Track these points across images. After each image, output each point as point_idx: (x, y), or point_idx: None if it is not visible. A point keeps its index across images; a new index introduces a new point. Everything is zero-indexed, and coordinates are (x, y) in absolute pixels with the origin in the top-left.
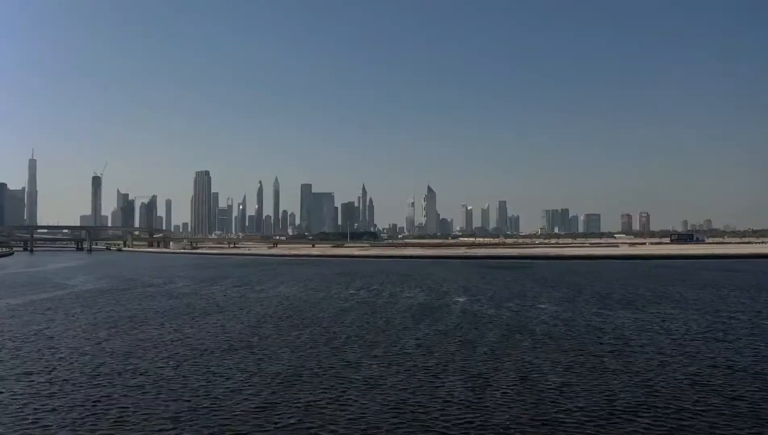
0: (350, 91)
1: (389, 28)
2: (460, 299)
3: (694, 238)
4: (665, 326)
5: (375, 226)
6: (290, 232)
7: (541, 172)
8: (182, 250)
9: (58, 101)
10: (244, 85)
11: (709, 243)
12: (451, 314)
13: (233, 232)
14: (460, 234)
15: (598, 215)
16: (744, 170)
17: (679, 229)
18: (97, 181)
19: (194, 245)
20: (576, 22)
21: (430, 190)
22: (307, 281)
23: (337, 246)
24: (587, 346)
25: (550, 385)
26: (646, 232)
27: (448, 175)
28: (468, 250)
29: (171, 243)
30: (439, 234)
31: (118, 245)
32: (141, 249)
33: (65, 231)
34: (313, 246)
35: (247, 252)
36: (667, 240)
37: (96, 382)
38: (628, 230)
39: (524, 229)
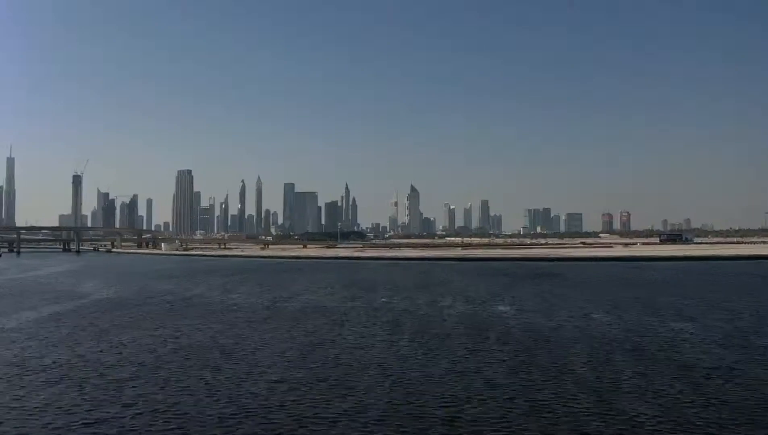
0: (333, 90)
1: (372, 27)
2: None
3: (683, 238)
4: None
5: (359, 225)
6: (273, 231)
7: (523, 171)
8: (174, 252)
9: (37, 99)
10: (227, 84)
11: (698, 243)
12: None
13: (215, 232)
14: (444, 233)
15: (580, 214)
16: (720, 170)
17: (659, 228)
18: (77, 180)
19: (186, 246)
20: (555, 20)
21: (413, 189)
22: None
23: (330, 246)
24: None
25: None
26: (627, 232)
27: (431, 174)
28: (465, 251)
29: (163, 244)
30: (425, 233)
31: (106, 246)
32: (131, 250)
33: (45, 232)
34: (305, 246)
35: (240, 254)
36: (656, 240)
37: None
38: (609, 229)
39: (506, 228)
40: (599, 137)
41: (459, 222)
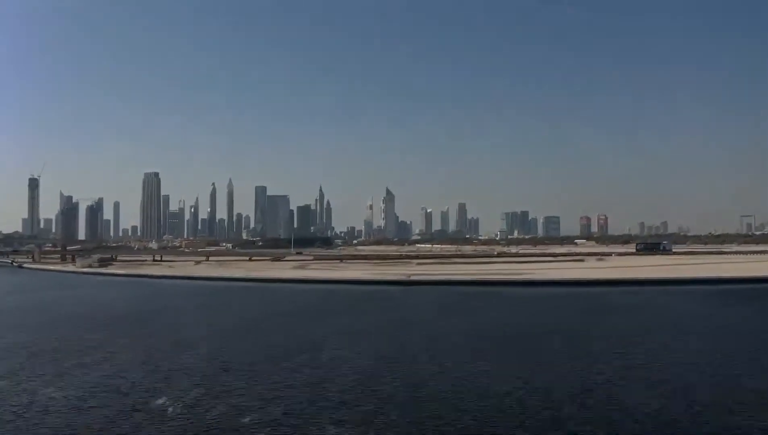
0: (308, 92)
1: (346, 29)
2: None
3: (661, 247)
4: None
5: (333, 229)
6: (245, 235)
7: (502, 173)
8: (86, 269)
9: None
10: (198, 84)
11: (677, 252)
12: None
13: (185, 236)
14: (419, 238)
15: (558, 218)
16: (697, 172)
17: (636, 231)
18: (34, 184)
19: (105, 262)
20: (534, 29)
21: (388, 192)
22: None
23: (277, 258)
24: None
25: None
26: (604, 236)
27: (409, 177)
28: (419, 268)
29: (77, 259)
30: (396, 239)
31: (19, 261)
32: (48, 265)
33: None
34: (250, 259)
35: (157, 274)
36: (633, 248)
37: None
38: (587, 233)
39: (484, 231)
40: (577, 140)
41: (436, 225)
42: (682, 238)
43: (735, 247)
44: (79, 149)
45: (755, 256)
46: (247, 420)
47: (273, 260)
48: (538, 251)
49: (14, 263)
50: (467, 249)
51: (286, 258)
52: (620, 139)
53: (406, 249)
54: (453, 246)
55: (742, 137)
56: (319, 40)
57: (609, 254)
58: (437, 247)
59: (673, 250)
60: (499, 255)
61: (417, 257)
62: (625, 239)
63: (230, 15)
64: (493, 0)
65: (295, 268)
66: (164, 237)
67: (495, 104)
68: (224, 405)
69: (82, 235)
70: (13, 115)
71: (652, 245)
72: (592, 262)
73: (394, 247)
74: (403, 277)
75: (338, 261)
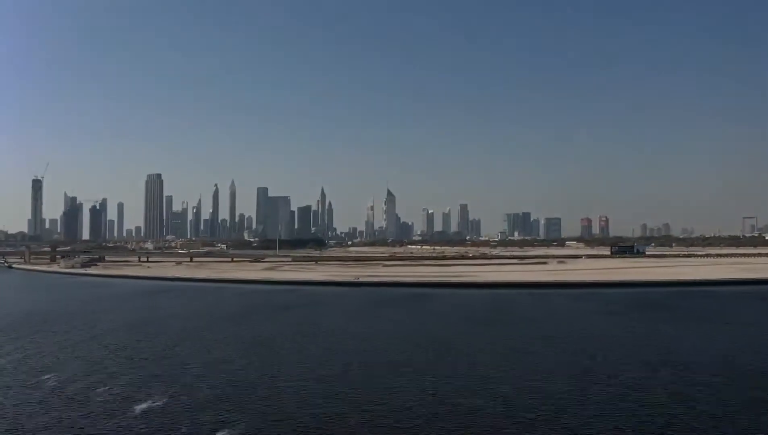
0: (310, 93)
1: (347, 30)
2: None
3: (635, 250)
4: None
5: (334, 229)
6: (246, 236)
7: (503, 174)
8: (69, 270)
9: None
10: (200, 86)
11: (648, 255)
12: None
13: (188, 237)
14: (420, 238)
15: (558, 219)
16: (701, 172)
17: (638, 233)
18: (37, 185)
19: (90, 263)
20: (531, 31)
21: (389, 193)
22: None
23: (256, 260)
24: None
25: None
26: (594, 239)
27: (411, 178)
28: (384, 270)
29: (61, 260)
30: (390, 241)
31: (10, 261)
32: (36, 266)
33: None
34: (232, 260)
35: (131, 274)
36: (607, 251)
37: None
38: (588, 234)
39: (485, 232)
40: (580, 142)
41: (438, 226)
42: (670, 240)
43: (714, 250)
44: (83, 150)
45: (718, 259)
46: None
47: (252, 261)
48: (519, 253)
49: (5, 263)
50: (451, 251)
51: (265, 259)
52: (623, 140)
53: (395, 250)
54: (446, 247)
55: (745, 139)
56: (320, 42)
57: (580, 256)
58: (427, 249)
59: (646, 253)
60: (474, 257)
61: (392, 259)
62: (612, 242)
63: (231, 15)
64: (491, 4)
65: (266, 269)
66: (167, 237)
67: (497, 105)
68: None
69: (86, 235)
70: (13, 115)
71: (626, 248)
72: (553, 264)
73: (384, 249)
74: (352, 279)
75: (313, 263)
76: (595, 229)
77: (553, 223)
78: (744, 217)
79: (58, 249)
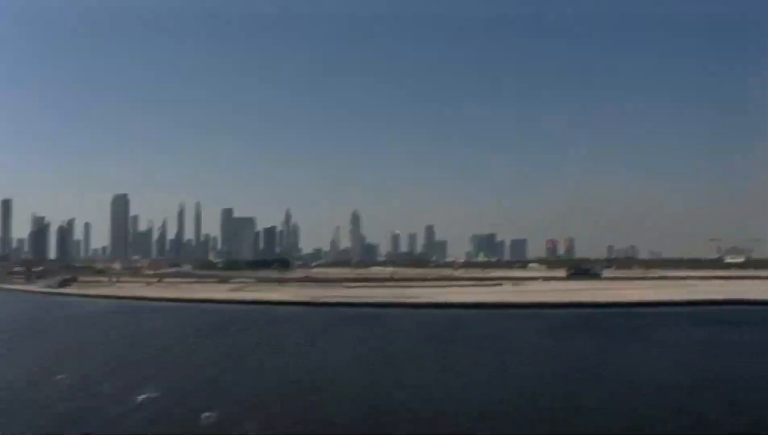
0: (276, 115)
1: (311, 52)
2: None
3: (591, 272)
4: None
5: (300, 250)
6: (211, 257)
7: (471, 195)
8: (46, 290)
9: None
10: (165, 108)
11: (604, 278)
12: None
13: (153, 256)
14: (385, 260)
15: (524, 240)
16: (670, 194)
17: (604, 255)
18: (6, 205)
19: (65, 283)
20: (499, 48)
21: (354, 215)
22: None
23: (222, 281)
24: None
25: None
26: (556, 261)
27: (377, 199)
28: (336, 293)
29: (39, 280)
30: (354, 262)
31: None
32: (13, 286)
33: None
34: (198, 281)
35: (104, 293)
36: (564, 273)
37: None
38: (553, 256)
39: (452, 253)
40: (546, 161)
41: (404, 247)
42: (629, 263)
43: (672, 273)
44: (50, 170)
45: (669, 281)
46: None
47: (218, 282)
48: (480, 275)
49: None
50: (412, 273)
51: (231, 280)
52: (589, 162)
53: (358, 271)
54: (409, 269)
55: (715, 160)
56: (285, 64)
57: (536, 279)
58: (390, 270)
59: (601, 276)
60: (434, 278)
61: (354, 280)
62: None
63: (200, 36)
64: (451, 26)
65: (232, 290)
66: (133, 257)
67: (461, 125)
68: None
69: (53, 254)
70: None
71: (583, 271)
72: (508, 286)
73: (348, 270)
74: (310, 299)
75: (277, 283)
76: (561, 251)
77: (519, 245)
78: (710, 239)
79: (33, 269)
